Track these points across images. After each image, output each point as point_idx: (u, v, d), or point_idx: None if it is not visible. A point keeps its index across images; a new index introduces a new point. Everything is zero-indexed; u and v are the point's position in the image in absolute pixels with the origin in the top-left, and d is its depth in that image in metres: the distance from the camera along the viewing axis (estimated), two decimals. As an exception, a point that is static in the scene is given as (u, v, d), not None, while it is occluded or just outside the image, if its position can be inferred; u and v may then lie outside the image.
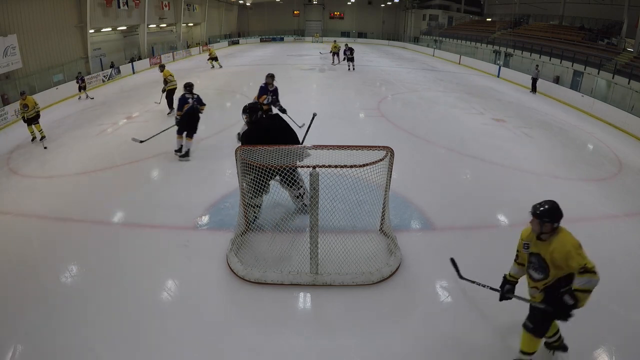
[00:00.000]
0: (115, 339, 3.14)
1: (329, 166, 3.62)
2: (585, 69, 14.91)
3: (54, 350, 3.04)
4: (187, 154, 6.91)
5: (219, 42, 32.39)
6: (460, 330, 3.28)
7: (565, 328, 3.29)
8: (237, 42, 35.15)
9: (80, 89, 12.92)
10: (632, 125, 9.92)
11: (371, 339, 3.19)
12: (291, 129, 4.71)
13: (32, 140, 8.35)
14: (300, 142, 4.82)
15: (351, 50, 17.57)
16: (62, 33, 14.55)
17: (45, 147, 7.92)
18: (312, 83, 14.98)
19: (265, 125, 4.63)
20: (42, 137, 8.34)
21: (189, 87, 6.97)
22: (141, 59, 20.24)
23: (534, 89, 14.66)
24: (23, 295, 3.64)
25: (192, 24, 29.25)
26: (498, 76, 18.36)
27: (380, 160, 3.80)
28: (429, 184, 5.96)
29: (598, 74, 14.14)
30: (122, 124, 9.56)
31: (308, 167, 3.53)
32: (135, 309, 3.45)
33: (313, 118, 5.56)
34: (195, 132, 6.94)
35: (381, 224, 4.42)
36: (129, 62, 18.80)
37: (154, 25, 22.84)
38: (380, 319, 3.39)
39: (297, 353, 3.05)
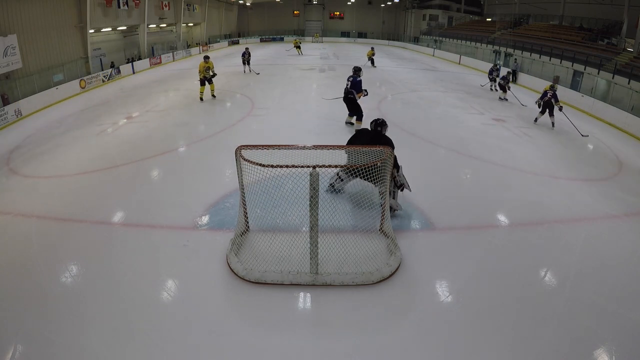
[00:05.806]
0: (115, 339, 3.14)
1: (329, 166, 3.63)
2: (585, 69, 14.92)
3: (53, 350, 3.04)
4: None
5: (219, 42, 32.39)
6: (460, 330, 3.28)
7: (565, 327, 3.30)
8: (237, 42, 35.15)
9: (245, 62, 15.39)
10: (632, 125, 9.91)
11: (371, 338, 3.19)
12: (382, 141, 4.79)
13: (201, 100, 11.20)
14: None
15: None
16: (62, 33, 14.55)
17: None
18: (312, 83, 14.97)
19: (365, 135, 5.27)
20: (213, 96, 11.40)
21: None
22: (141, 59, 20.25)
23: (512, 80, 14.73)
24: (23, 295, 3.64)
25: (192, 24, 29.25)
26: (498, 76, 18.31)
27: (380, 160, 3.80)
28: (429, 184, 5.95)
29: (598, 74, 14.15)
30: (122, 124, 9.55)
31: (308, 167, 3.53)
32: (135, 309, 3.45)
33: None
34: None
35: (381, 224, 4.42)
36: (128, 62, 18.80)
37: (154, 25, 22.84)
38: (380, 319, 3.39)
39: (297, 353, 3.05)
